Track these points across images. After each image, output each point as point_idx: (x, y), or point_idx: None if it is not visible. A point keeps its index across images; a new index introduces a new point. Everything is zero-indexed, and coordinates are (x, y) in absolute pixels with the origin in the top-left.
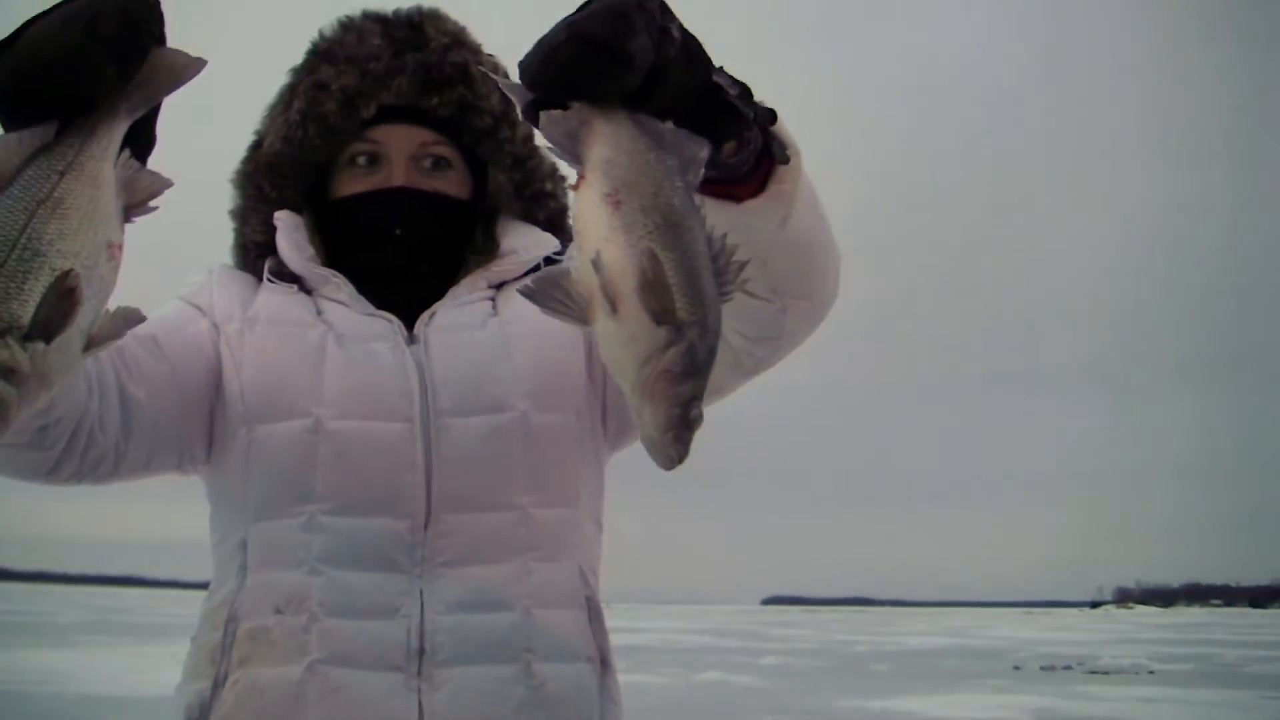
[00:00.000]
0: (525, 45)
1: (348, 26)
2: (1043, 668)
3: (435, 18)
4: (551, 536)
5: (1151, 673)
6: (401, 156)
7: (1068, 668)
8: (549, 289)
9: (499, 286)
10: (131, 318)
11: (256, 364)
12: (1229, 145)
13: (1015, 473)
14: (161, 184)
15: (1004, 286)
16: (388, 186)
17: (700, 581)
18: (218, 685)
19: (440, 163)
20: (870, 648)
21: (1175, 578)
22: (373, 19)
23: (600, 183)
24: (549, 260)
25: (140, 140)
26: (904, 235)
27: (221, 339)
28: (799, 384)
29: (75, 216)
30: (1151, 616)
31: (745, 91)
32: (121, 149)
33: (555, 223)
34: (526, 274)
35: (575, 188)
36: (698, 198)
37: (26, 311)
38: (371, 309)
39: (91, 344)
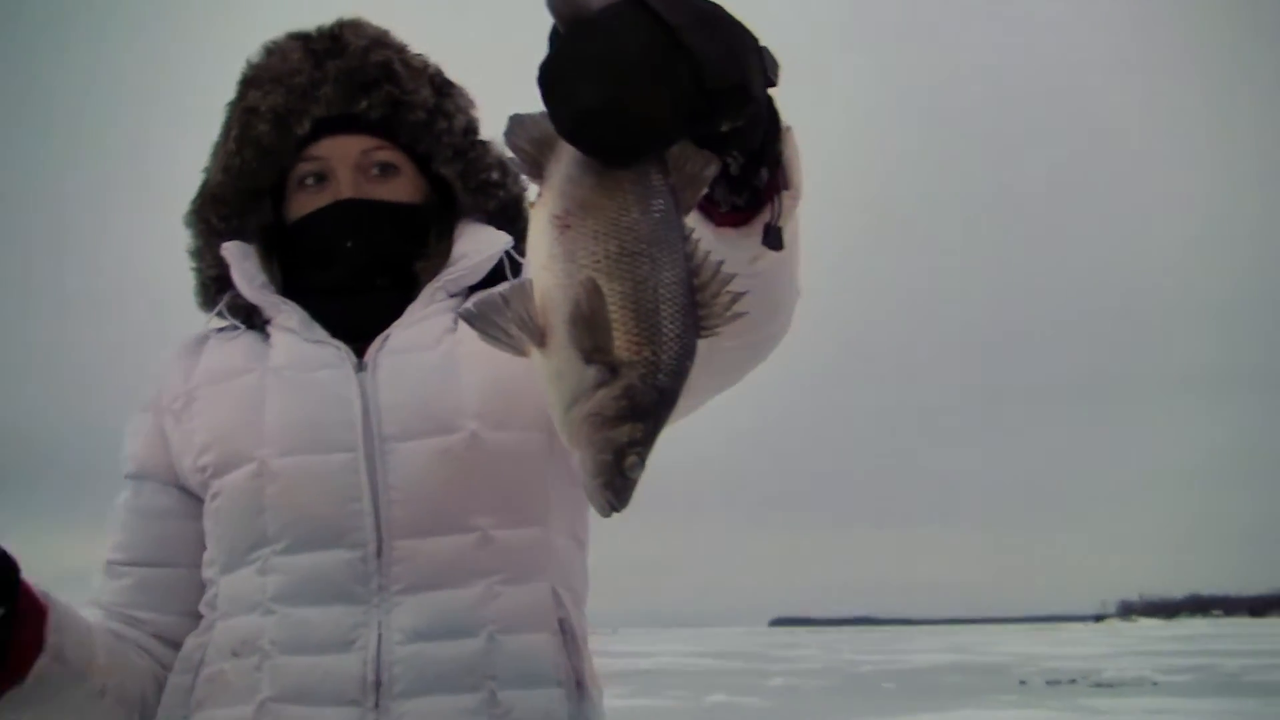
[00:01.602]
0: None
1: (271, 50)
2: (1048, 682)
3: (354, 25)
4: (518, 558)
5: (1155, 684)
6: (346, 168)
7: (1073, 681)
8: (488, 313)
9: (467, 294)
10: None
11: (203, 427)
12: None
13: (1016, 490)
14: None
15: (1001, 298)
16: (335, 201)
17: (707, 604)
18: None
19: (387, 169)
20: (877, 667)
21: (1177, 589)
22: (294, 38)
23: (553, 202)
24: (509, 258)
25: None
26: (902, 256)
27: (169, 422)
28: (801, 405)
29: None
30: (1154, 629)
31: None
32: None
33: (508, 214)
34: (488, 277)
35: (532, 205)
36: (692, 218)
37: None
38: (322, 336)
39: None
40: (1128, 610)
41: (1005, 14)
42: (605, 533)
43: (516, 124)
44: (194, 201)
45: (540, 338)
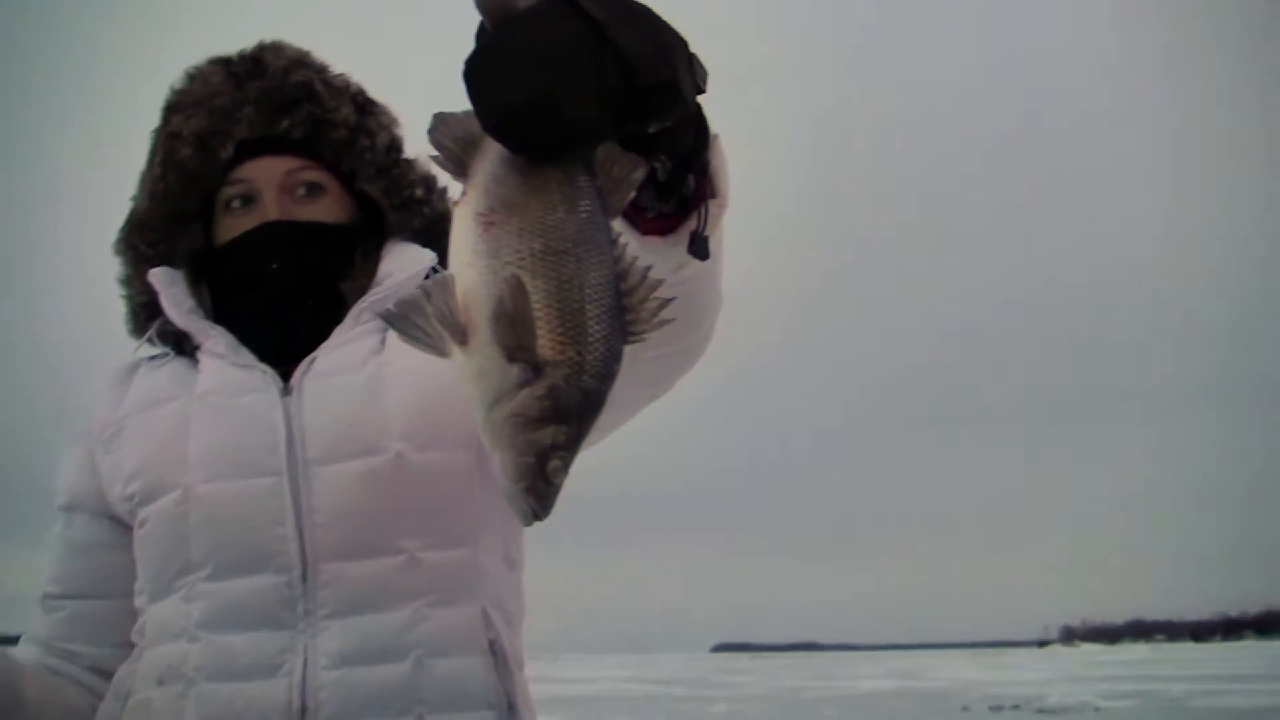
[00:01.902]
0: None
1: (193, 75)
2: (991, 708)
3: (274, 47)
4: (446, 580)
5: (1098, 710)
6: (271, 189)
7: (1015, 707)
8: (408, 312)
9: None
10: None
11: (130, 455)
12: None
13: (958, 514)
14: None
15: (939, 325)
16: (261, 223)
17: (649, 629)
18: None
19: (313, 188)
20: (820, 693)
21: (1119, 614)
22: (216, 62)
23: (477, 200)
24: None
25: None
26: (838, 275)
27: (99, 452)
28: (742, 430)
29: None
30: (1097, 654)
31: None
32: None
33: (433, 232)
34: None
35: (455, 204)
36: (618, 225)
37: None
38: (250, 360)
39: None
40: (1070, 635)
41: (996, 9)
42: (546, 556)
43: (440, 122)
44: (122, 229)
45: (462, 335)
